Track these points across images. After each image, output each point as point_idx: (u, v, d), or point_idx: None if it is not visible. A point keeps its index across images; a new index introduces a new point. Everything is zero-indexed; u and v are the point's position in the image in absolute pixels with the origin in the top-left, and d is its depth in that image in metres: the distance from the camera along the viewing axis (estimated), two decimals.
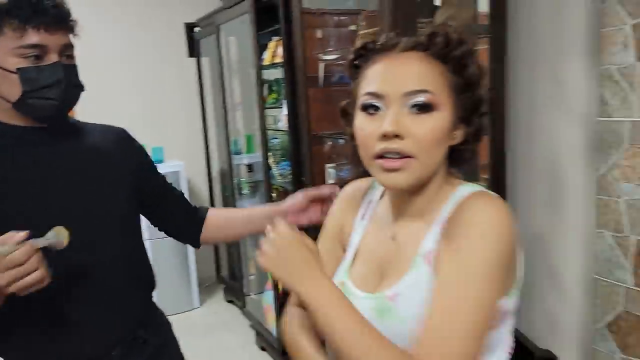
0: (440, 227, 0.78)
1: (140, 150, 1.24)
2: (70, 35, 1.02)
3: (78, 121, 1.17)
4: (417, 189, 0.81)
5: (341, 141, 2.50)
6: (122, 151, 1.17)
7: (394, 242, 0.84)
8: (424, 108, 0.74)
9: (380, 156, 0.76)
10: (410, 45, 0.79)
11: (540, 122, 1.72)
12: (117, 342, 1.10)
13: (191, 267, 3.58)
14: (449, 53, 0.78)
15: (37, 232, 0.89)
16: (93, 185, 1.09)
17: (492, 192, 0.80)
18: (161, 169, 3.98)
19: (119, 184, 1.14)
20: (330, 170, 2.34)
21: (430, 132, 0.75)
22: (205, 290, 3.81)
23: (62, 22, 0.99)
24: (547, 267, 1.77)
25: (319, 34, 2.33)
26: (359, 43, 0.83)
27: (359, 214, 0.92)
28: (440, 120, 0.75)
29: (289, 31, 2.19)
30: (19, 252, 0.84)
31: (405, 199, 0.83)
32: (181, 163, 3.41)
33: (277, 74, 2.98)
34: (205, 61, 3.56)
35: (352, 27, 2.37)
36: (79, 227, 0.97)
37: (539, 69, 1.71)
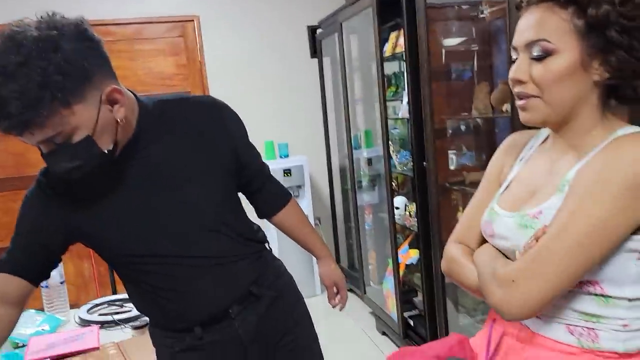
0: (590, 158, 0.83)
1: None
2: (47, 128, 0.94)
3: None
4: (562, 125, 0.88)
5: (463, 127, 2.53)
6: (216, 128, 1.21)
7: (549, 173, 0.91)
8: (541, 56, 0.83)
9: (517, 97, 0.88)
10: None
11: None
12: (233, 302, 1.23)
13: (313, 258, 3.79)
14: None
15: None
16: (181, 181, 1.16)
17: None
18: (287, 163, 4.23)
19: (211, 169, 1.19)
20: (452, 156, 2.38)
21: (547, 74, 0.83)
22: None
23: (21, 128, 0.94)
24: None
25: (440, 26, 2.38)
26: None
27: (518, 158, 1.00)
28: (558, 62, 0.82)
29: (411, 24, 2.27)
30: None
31: (560, 136, 0.90)
32: (305, 157, 3.63)
33: (394, 67, 3.09)
34: (326, 61, 3.77)
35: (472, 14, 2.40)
36: (174, 222, 1.15)
37: None
